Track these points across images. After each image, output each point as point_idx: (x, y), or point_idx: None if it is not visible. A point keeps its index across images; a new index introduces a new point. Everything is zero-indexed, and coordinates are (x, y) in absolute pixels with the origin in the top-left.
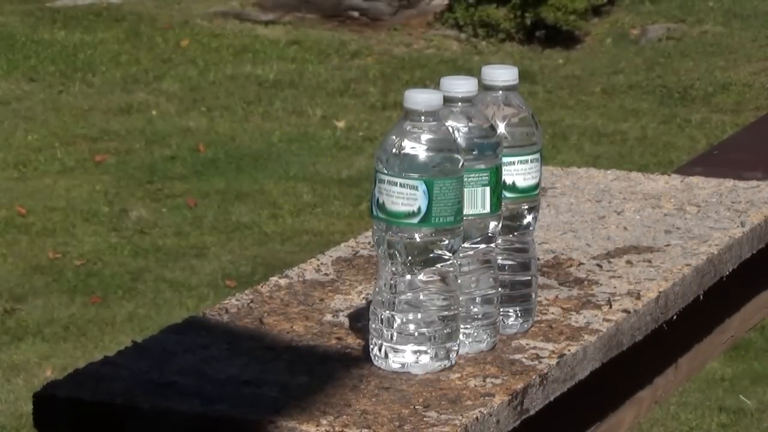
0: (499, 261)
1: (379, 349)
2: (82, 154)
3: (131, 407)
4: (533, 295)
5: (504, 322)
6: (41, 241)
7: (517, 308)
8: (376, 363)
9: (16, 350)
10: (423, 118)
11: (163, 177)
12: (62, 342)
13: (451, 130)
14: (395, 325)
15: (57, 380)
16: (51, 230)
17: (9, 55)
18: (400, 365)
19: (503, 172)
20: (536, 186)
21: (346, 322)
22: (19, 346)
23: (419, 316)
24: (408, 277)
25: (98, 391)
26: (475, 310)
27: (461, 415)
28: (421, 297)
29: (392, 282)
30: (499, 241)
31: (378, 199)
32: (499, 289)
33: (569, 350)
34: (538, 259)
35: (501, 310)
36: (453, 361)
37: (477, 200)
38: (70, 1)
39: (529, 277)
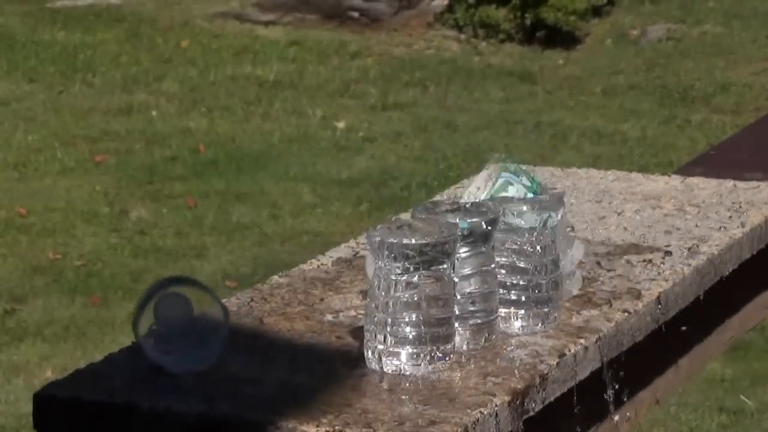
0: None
1: (373, 352)
2: (82, 154)
3: (131, 407)
4: (545, 298)
5: (508, 322)
6: (41, 241)
7: (523, 310)
8: (370, 366)
9: (16, 351)
10: None
11: (163, 177)
12: (62, 342)
13: None
14: (391, 328)
15: (57, 380)
16: (51, 231)
17: (9, 55)
18: (395, 367)
19: None
20: None
21: (346, 321)
22: (19, 346)
23: (414, 317)
24: (404, 278)
25: (98, 391)
26: (474, 309)
27: (461, 414)
28: (417, 298)
29: (388, 284)
30: (508, 242)
31: None
32: (500, 289)
33: (569, 350)
34: None
35: (505, 310)
36: (449, 362)
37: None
38: (70, 2)
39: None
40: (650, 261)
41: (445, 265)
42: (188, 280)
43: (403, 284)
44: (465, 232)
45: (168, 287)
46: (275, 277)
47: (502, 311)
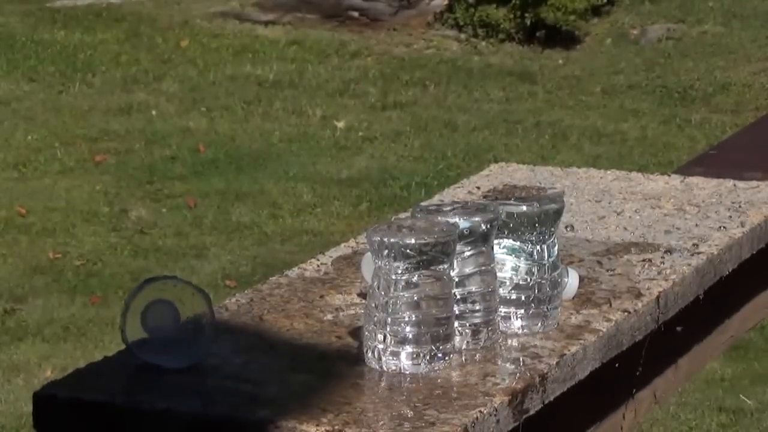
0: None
1: (373, 351)
2: (82, 154)
3: (131, 407)
4: (545, 298)
5: (508, 322)
6: (41, 241)
7: (523, 310)
8: (370, 365)
9: (16, 350)
10: None
11: (163, 177)
12: (62, 342)
13: None
14: (391, 327)
15: (57, 380)
16: (51, 230)
17: (9, 55)
18: (394, 366)
19: None
20: None
21: (345, 320)
22: (19, 346)
23: (414, 317)
24: (404, 278)
25: (98, 391)
26: (474, 309)
27: (461, 414)
28: (416, 298)
29: (388, 284)
30: (507, 241)
31: None
32: (500, 289)
33: (569, 350)
34: None
35: (505, 310)
36: (448, 362)
37: None
38: (70, 2)
39: (541, 281)
40: (650, 260)
41: (445, 265)
42: (164, 278)
43: (403, 284)
44: (465, 232)
45: (149, 291)
46: (275, 277)
47: (502, 311)
